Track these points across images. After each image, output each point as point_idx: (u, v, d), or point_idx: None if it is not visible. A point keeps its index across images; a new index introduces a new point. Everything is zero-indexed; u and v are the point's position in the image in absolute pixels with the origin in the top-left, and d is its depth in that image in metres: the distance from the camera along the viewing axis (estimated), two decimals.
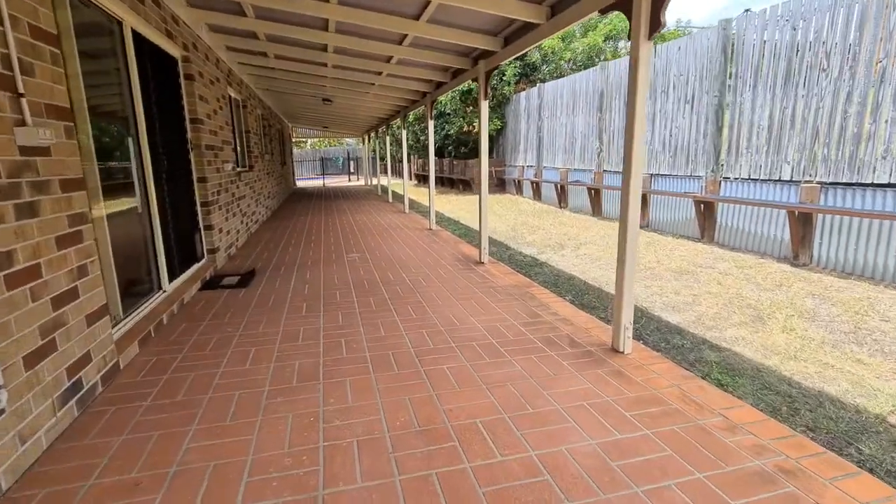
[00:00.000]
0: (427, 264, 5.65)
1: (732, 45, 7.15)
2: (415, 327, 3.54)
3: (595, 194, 10.64)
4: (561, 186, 11.90)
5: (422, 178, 22.78)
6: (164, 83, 4.44)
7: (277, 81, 9.04)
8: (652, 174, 9.06)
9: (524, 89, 15.13)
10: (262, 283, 5.03)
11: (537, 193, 13.42)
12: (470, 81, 7.28)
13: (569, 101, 11.90)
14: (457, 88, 14.50)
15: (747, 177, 6.95)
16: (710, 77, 7.55)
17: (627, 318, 2.91)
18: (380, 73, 7.36)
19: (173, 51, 4.64)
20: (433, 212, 8.10)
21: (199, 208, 5.33)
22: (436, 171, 20.13)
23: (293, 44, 6.23)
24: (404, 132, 10.58)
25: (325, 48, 6.23)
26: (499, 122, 15.75)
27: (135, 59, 3.62)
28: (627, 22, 2.81)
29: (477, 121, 15.14)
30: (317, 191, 18.48)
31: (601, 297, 4.81)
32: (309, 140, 37.27)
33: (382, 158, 28.03)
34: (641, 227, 8.94)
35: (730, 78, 7.30)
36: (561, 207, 11.87)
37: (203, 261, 5.40)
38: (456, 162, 17.02)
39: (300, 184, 22.65)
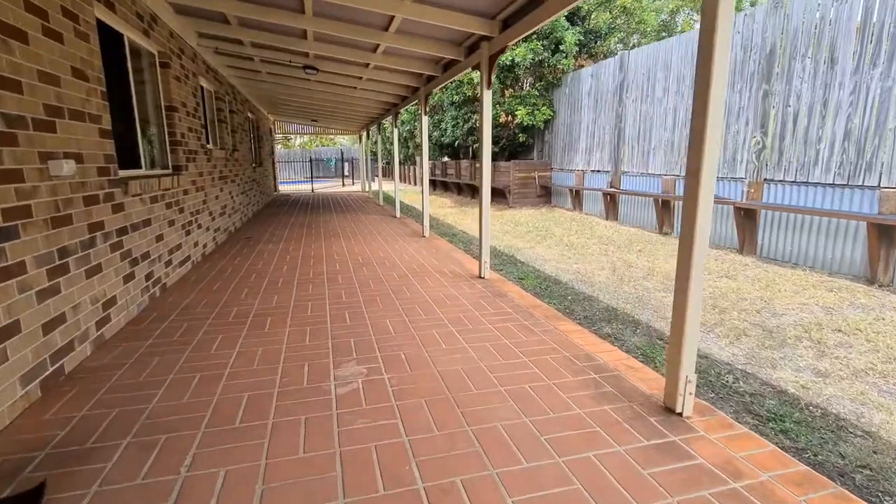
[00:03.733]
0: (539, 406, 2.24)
1: None
2: None
3: (746, 218, 6.96)
4: (663, 202, 8.47)
5: (430, 183, 19.37)
6: None
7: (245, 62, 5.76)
8: None
9: (581, 66, 11.55)
10: None
11: (612, 210, 9.92)
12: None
13: (682, 73, 8.44)
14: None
15: None
16: None
17: None
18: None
19: None
20: (486, 248, 4.73)
21: None
22: (451, 175, 16.70)
23: None
24: (425, 121, 7.22)
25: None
26: (546, 112, 12.05)
27: None
28: None
29: (521, 108, 11.63)
30: (303, 198, 15.01)
31: None
32: (297, 138, 33.80)
33: (388, 161, 24.69)
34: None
35: None
36: (663, 233, 8.46)
37: None
38: (480, 165, 13.64)
39: (284, 188, 19.17)
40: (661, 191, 8.70)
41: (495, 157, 13.84)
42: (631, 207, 9.55)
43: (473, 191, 15.16)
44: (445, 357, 2.86)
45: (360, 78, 8.06)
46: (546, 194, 12.50)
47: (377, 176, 14.63)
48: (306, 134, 24.26)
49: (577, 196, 11.23)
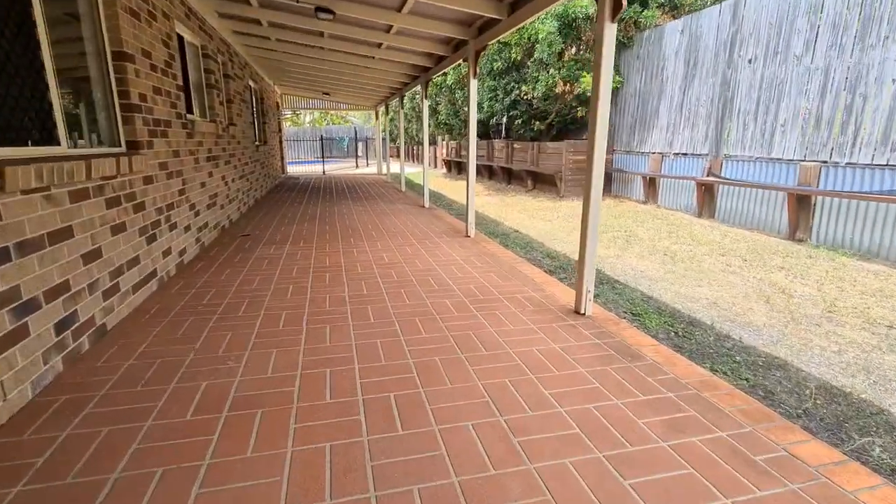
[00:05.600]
0: None
1: None
2: None
3: None
4: (798, 198, 6.55)
5: (456, 166, 17.66)
6: None
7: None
8: None
9: (657, 25, 9.44)
10: None
11: (707, 205, 8.02)
12: None
13: (846, 18, 6.22)
14: (558, 13, 9.20)
15: None
16: None
17: None
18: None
19: None
20: (590, 273, 3.11)
21: None
22: (481, 157, 14.97)
23: None
24: (473, 87, 5.55)
25: None
26: (615, 80, 10.00)
27: None
28: None
29: (587, 74, 9.68)
30: (313, 181, 13.44)
31: None
32: (307, 115, 32.05)
33: (402, 138, 23.08)
34: None
35: None
36: (796, 240, 6.64)
37: None
38: (519, 146, 11.74)
39: (292, 169, 17.61)
40: (795, 182, 6.78)
41: (538, 136, 12.03)
42: (737, 202, 7.62)
43: (509, 175, 13.42)
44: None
45: (380, 45, 6.43)
46: (605, 181, 10.65)
47: (397, 157, 12.95)
48: (317, 110, 22.59)
49: (651, 185, 9.32)
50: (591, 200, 3.02)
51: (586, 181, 3.04)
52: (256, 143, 9.45)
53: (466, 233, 5.82)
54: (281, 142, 14.78)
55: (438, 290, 3.67)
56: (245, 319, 3.05)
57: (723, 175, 7.87)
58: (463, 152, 16.77)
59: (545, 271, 4.50)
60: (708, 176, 8.06)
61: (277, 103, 14.12)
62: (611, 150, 10.47)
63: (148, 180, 3.61)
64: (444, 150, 18.66)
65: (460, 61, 6.09)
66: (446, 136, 17.57)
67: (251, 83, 9.33)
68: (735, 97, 7.80)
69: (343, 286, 3.77)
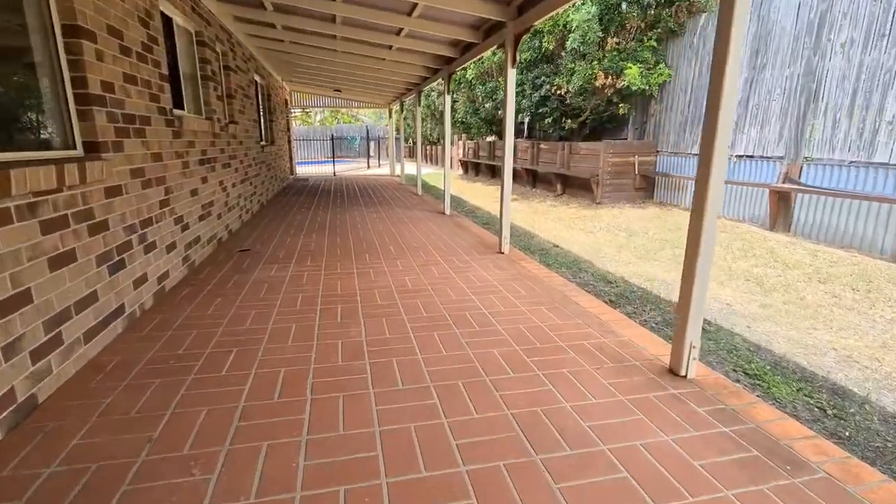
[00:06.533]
0: None
1: None
2: None
3: None
4: None
5: (473, 168, 16.81)
6: None
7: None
8: None
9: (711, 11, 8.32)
10: None
11: (782, 216, 6.90)
12: None
13: None
14: None
15: None
16: None
17: None
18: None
19: None
20: (694, 326, 2.29)
21: None
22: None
23: None
24: (511, 77, 4.73)
25: None
26: (664, 73, 8.91)
27: None
28: None
29: (632, 65, 8.57)
30: (324, 184, 12.70)
31: None
32: (317, 114, 31.43)
33: (413, 140, 22.36)
34: None
35: None
36: None
37: None
38: (546, 146, 10.79)
39: (302, 170, 16.91)
40: None
41: (569, 136, 11.10)
42: (821, 214, 6.55)
43: (534, 178, 12.54)
44: None
45: (399, 32, 5.65)
46: (647, 186, 9.62)
47: (409, 157, 12.16)
48: (328, 108, 21.90)
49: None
50: (705, 224, 2.18)
51: (697, 197, 2.20)
52: (262, 143, 8.71)
53: (500, 248, 5.00)
54: (290, 141, 14.06)
55: (481, 333, 2.85)
56: (229, 383, 2.26)
57: (803, 182, 6.82)
58: (481, 153, 15.93)
59: (606, 302, 3.67)
60: (785, 182, 6.97)
61: (286, 100, 13.40)
62: (653, 151, 9.54)
63: (114, 192, 2.84)
64: (461, 151, 17.84)
65: (493, 48, 5.26)
66: (463, 136, 16.75)
67: (257, 78, 8.60)
68: (821, 89, 6.70)
69: (359, 325, 2.97)
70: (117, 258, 2.83)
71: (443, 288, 3.74)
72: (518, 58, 4.55)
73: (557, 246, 6.06)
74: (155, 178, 3.48)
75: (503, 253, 4.93)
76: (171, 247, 3.72)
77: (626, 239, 6.49)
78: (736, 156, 7.80)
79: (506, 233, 4.95)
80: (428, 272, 4.19)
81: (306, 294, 3.58)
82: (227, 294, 3.56)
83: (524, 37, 4.51)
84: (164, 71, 3.81)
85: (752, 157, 7.57)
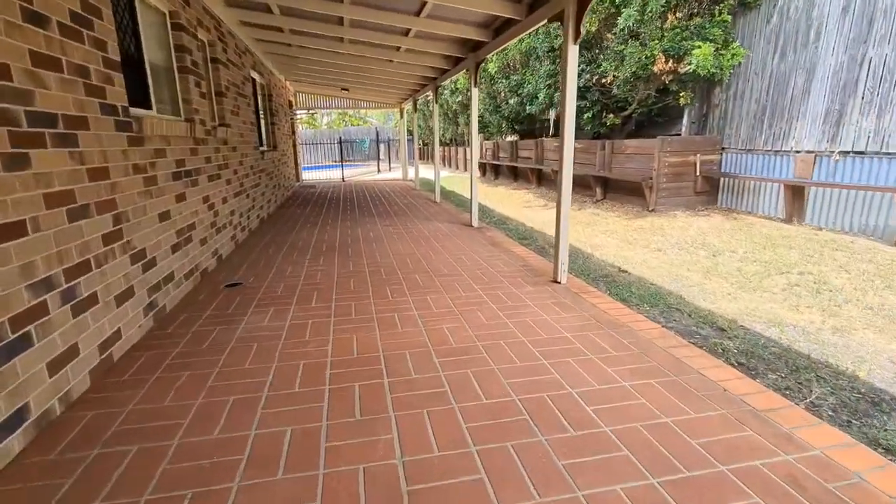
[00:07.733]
0: None
1: None
2: None
3: None
4: None
5: (492, 170, 15.72)
6: None
7: None
8: None
9: None
10: None
11: None
12: None
13: None
14: None
15: None
16: None
17: None
18: None
19: None
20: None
21: None
22: (527, 159, 12.96)
23: None
24: (572, 55, 3.66)
25: None
26: (739, 53, 7.53)
27: None
28: None
29: (701, 44, 7.20)
30: (332, 191, 11.70)
31: None
32: (324, 117, 30.53)
33: (427, 142, 21.31)
34: None
35: None
36: None
37: None
38: (581, 145, 9.56)
39: (308, 175, 15.95)
40: None
41: (610, 132, 9.91)
42: None
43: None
44: None
45: (419, 12, 4.62)
46: (711, 190, 8.28)
47: (420, 159, 11.13)
48: (335, 109, 20.94)
49: (796, 196, 6.94)
50: None
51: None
52: (262, 148, 7.73)
53: (555, 277, 3.93)
54: (295, 146, 13.10)
55: (581, 446, 1.79)
56: None
57: None
58: (502, 153, 14.83)
59: (733, 365, 2.57)
60: None
61: (290, 101, 12.43)
62: (718, 148, 8.33)
63: (8, 232, 1.82)
64: (479, 151, 16.84)
65: (542, 24, 4.18)
66: (480, 136, 15.69)
67: (255, 75, 7.61)
68: None
69: (389, 428, 1.93)
70: (9, 338, 1.80)
71: (497, 345, 2.69)
72: (582, 32, 3.48)
73: (624, 271, 4.93)
74: (95, 202, 2.47)
75: (559, 282, 3.85)
76: (124, 297, 2.70)
77: (710, 260, 5.28)
78: (839, 152, 6.53)
79: (563, 257, 3.87)
80: (472, 316, 3.13)
81: (310, 361, 2.54)
82: (198, 363, 2.53)
83: (588, 6, 3.43)
84: (114, 56, 2.80)
85: (863, 153, 6.32)
